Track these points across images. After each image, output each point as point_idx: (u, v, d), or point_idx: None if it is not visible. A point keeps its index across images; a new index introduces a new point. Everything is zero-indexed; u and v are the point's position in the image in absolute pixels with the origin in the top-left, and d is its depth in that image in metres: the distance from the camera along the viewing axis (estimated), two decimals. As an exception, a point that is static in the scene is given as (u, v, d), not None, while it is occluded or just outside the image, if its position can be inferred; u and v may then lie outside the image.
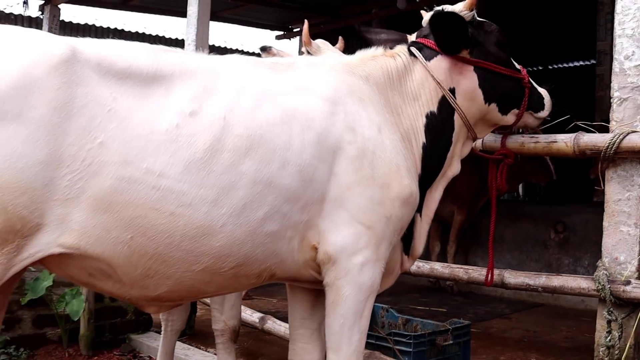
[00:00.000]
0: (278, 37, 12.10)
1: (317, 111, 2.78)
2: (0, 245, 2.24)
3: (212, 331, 6.26)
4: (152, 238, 2.43)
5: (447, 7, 3.21)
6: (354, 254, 2.80)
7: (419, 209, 3.15)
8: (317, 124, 2.75)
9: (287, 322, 5.09)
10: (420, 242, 3.23)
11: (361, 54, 3.16)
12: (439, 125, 3.14)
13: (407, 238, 3.15)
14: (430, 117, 3.12)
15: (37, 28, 14.09)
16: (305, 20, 4.05)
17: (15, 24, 14.97)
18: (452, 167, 3.28)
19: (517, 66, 3.36)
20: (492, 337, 6.39)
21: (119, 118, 2.37)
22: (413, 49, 3.18)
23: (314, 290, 3.21)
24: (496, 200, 3.59)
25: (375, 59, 3.12)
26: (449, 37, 3.08)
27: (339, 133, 2.78)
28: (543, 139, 3.67)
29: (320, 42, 4.14)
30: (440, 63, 3.13)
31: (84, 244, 2.36)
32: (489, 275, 3.69)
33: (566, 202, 9.33)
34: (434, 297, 8.25)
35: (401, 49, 3.22)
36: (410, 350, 4.24)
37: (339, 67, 3.03)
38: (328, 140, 2.75)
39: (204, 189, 2.46)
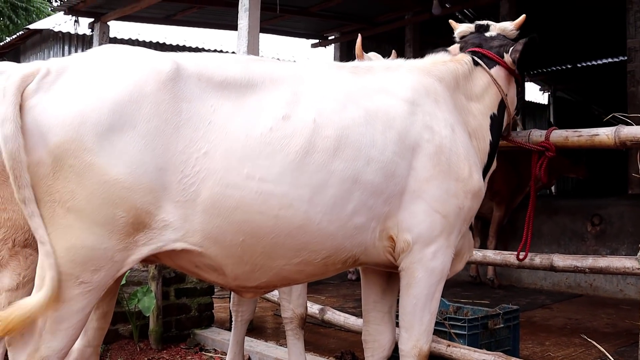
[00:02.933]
0: (314, 45, 12.34)
1: (398, 111, 3.05)
2: (131, 234, 2.52)
3: (269, 326, 6.67)
4: (260, 239, 2.68)
5: (494, 24, 3.64)
6: (429, 241, 3.09)
7: None
8: (398, 123, 3.01)
9: (344, 312, 5.45)
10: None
11: (432, 58, 3.47)
12: (498, 125, 3.50)
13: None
14: (493, 117, 3.47)
15: (87, 45, 14.63)
16: (359, 35, 4.24)
17: (64, 42, 15.51)
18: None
19: None
20: (536, 325, 6.66)
21: (218, 128, 2.62)
22: (476, 58, 3.51)
23: (386, 276, 3.54)
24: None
25: (446, 64, 3.42)
26: (525, 60, 3.48)
27: (418, 132, 3.05)
28: (586, 132, 3.93)
29: (372, 55, 4.37)
30: (499, 72, 3.51)
31: (207, 244, 2.64)
32: (521, 250, 4.03)
33: (602, 195, 9.51)
34: (475, 291, 8.50)
35: (464, 56, 3.52)
36: (465, 333, 4.55)
37: (415, 70, 3.31)
38: (408, 138, 3.02)
39: (300, 188, 2.70)
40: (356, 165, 2.84)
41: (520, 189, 8.66)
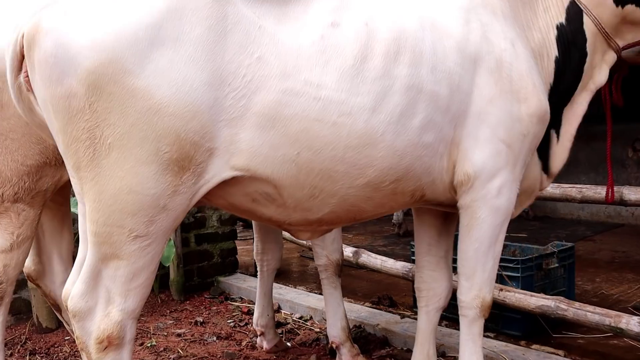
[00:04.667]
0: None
1: (454, 20, 2.67)
2: (177, 173, 2.22)
3: (295, 269, 6.30)
4: (317, 152, 2.38)
5: None
6: (493, 175, 2.71)
7: (555, 126, 3.01)
8: (455, 32, 2.64)
9: (374, 251, 5.06)
10: (556, 160, 3.08)
11: None
12: (569, 36, 2.97)
13: (545, 157, 3.02)
14: (560, 28, 2.95)
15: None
16: None
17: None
18: (595, 79, 3.10)
19: None
20: (581, 259, 6.24)
21: (269, 34, 2.31)
22: None
23: (442, 216, 3.15)
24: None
25: None
26: None
27: (477, 42, 2.67)
28: (664, 44, 3.44)
29: None
30: None
31: (254, 165, 2.32)
32: (610, 192, 3.52)
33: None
34: (511, 222, 8.07)
35: None
36: (519, 275, 4.13)
37: None
38: (468, 49, 2.64)
39: (360, 96, 2.40)
40: (420, 71, 2.50)
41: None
